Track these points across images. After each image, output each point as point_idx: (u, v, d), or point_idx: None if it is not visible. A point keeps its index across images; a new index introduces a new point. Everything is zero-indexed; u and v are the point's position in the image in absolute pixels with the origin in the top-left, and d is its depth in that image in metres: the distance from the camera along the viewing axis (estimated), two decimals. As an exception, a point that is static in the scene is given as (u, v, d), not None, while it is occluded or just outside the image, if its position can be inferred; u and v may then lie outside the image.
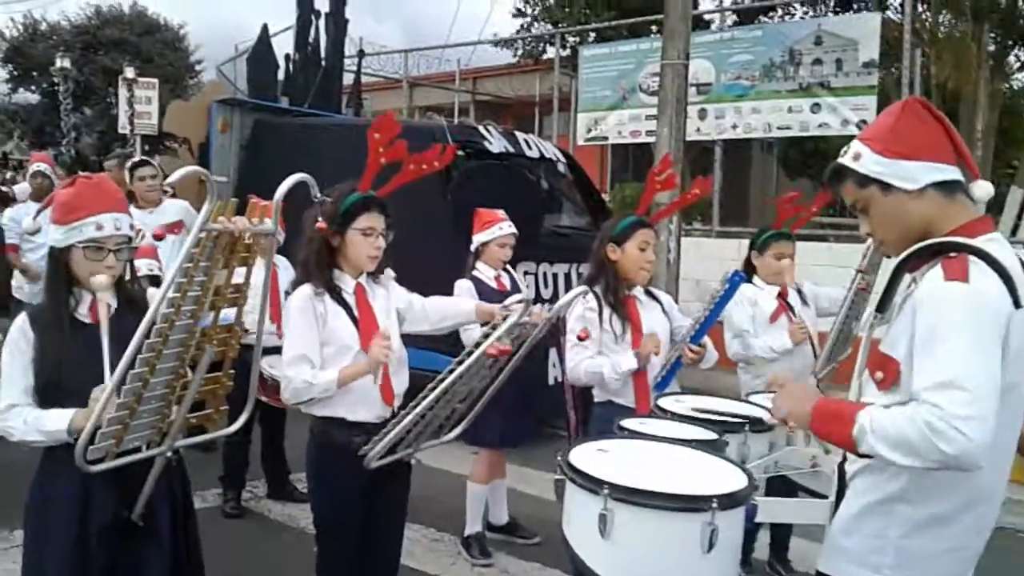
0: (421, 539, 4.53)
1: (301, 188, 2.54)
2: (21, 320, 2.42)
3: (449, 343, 3.93)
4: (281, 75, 9.06)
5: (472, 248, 4.48)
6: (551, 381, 6.11)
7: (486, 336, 2.77)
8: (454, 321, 3.17)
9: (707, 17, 14.41)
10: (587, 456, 2.15)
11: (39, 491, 2.43)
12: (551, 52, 15.53)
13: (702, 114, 11.34)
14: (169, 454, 2.37)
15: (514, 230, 4.48)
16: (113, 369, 2.17)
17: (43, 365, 2.35)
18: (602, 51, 13.06)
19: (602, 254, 3.49)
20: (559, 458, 2.14)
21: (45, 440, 2.34)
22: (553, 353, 5.69)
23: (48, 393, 2.34)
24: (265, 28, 8.86)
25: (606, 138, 12.85)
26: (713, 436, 2.48)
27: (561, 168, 7.67)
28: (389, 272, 3.06)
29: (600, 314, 3.43)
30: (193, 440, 2.48)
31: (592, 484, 1.96)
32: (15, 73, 28.93)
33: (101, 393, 2.18)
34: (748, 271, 4.17)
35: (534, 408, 4.81)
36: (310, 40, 9.22)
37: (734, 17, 13.33)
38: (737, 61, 11.35)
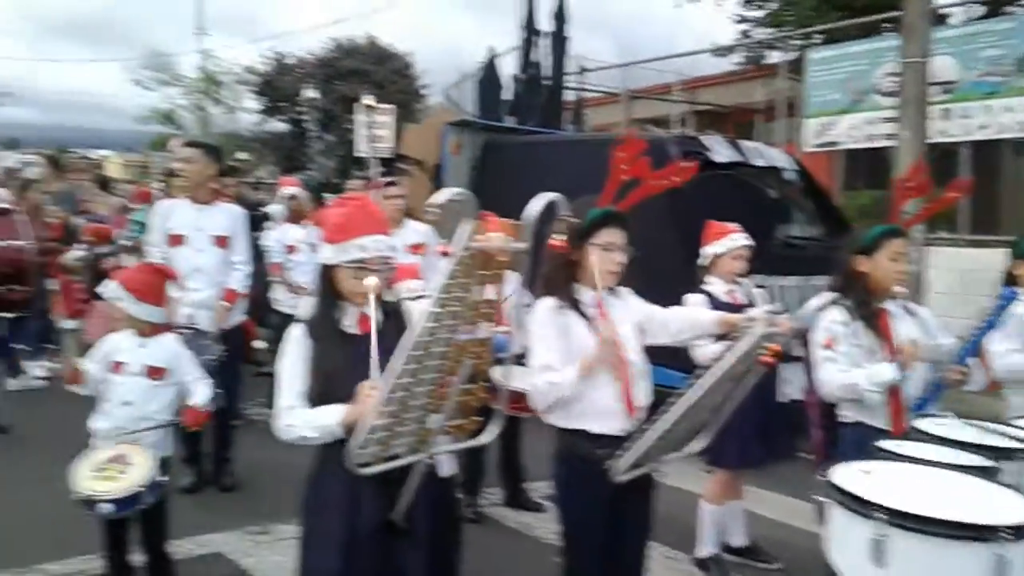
0: (656, 556, 4.48)
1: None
2: (299, 330, 2.65)
3: (680, 357, 3.89)
4: (506, 95, 9.39)
5: (701, 261, 4.40)
6: (783, 398, 5.90)
7: (729, 348, 2.73)
8: (694, 332, 3.13)
9: (945, 11, 13.40)
10: (851, 478, 2.05)
11: (313, 492, 2.65)
12: (774, 57, 15.02)
13: (945, 114, 10.54)
14: (429, 462, 2.50)
15: (749, 241, 4.36)
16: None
17: (316, 373, 2.56)
18: (832, 53, 12.47)
19: (850, 265, 3.33)
20: (821, 478, 2.06)
21: (319, 436, 2.53)
22: (784, 369, 5.48)
23: (320, 400, 2.55)
24: (492, 52, 9.23)
25: (836, 143, 12.24)
26: (987, 463, 2.28)
27: (790, 176, 7.39)
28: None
29: (849, 328, 3.26)
30: (448, 448, 2.61)
31: (863, 507, 1.87)
32: (266, 105, 31.82)
33: (369, 390, 2.34)
34: (1010, 282, 3.82)
35: (772, 427, 4.65)
36: (533, 60, 9.50)
37: (979, 10, 12.32)
38: (985, 56, 10.48)
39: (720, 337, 3.19)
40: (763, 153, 7.23)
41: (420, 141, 8.51)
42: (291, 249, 6.92)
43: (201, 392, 3.94)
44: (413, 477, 2.49)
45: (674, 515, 4.72)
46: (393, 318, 2.63)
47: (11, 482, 5.19)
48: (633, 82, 17.36)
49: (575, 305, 2.94)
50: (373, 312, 2.45)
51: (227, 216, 5.42)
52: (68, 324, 8.40)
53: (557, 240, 2.90)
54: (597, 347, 2.82)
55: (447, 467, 2.77)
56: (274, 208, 9.61)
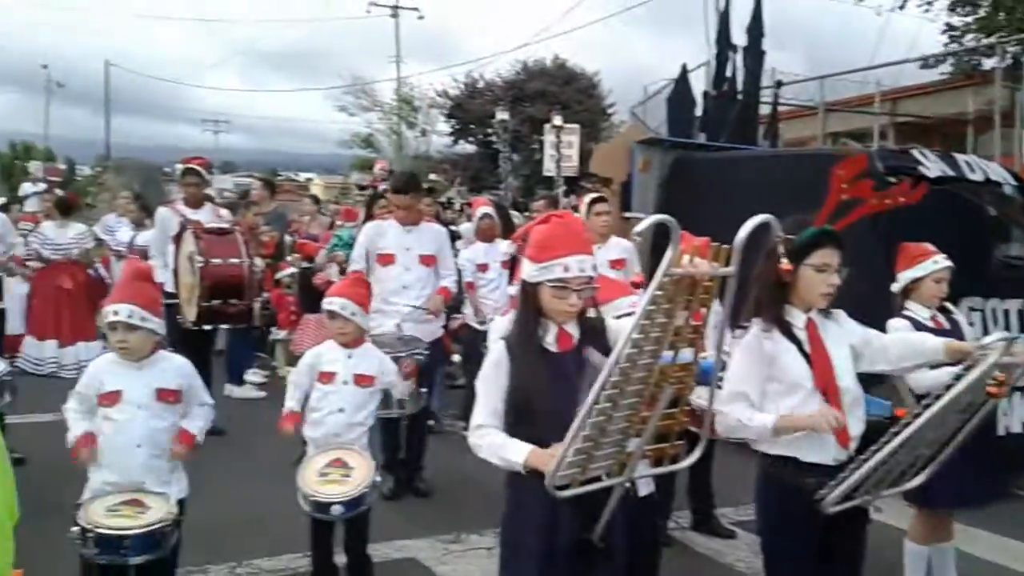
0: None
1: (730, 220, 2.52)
2: (499, 347, 2.70)
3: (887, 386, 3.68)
4: (697, 112, 9.26)
5: (897, 287, 4.13)
6: (1002, 431, 5.45)
7: (958, 377, 2.57)
8: (917, 360, 2.93)
9: None
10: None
11: (512, 507, 2.70)
12: (987, 64, 13.96)
13: None
14: (627, 484, 2.49)
15: (950, 263, 4.06)
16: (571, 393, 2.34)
17: (516, 390, 2.61)
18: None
19: None
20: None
21: (501, 465, 2.59)
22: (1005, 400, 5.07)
23: (518, 417, 2.59)
24: (684, 68, 9.14)
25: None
26: None
27: (1010, 191, 6.82)
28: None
29: None
30: (651, 472, 2.59)
31: None
32: (456, 127, 32.99)
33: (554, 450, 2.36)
34: None
35: (989, 463, 4.28)
36: (727, 75, 9.32)
37: None
38: None
39: (937, 364, 3.00)
40: (979, 167, 6.69)
41: (608, 160, 8.51)
42: (482, 268, 7.08)
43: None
44: (612, 498, 2.48)
45: (877, 551, 4.45)
46: (594, 336, 2.64)
47: (225, 482, 5.61)
48: (828, 95, 16.66)
49: (785, 328, 2.85)
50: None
51: (433, 236, 5.70)
52: (279, 335, 9.05)
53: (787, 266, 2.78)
54: (814, 415, 2.71)
55: (645, 488, 2.74)
56: (465, 227, 9.92)
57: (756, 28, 9.18)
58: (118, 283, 3.59)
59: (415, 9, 36.51)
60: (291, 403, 4.08)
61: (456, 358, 7.66)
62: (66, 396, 3.52)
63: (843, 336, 2.90)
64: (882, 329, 3.93)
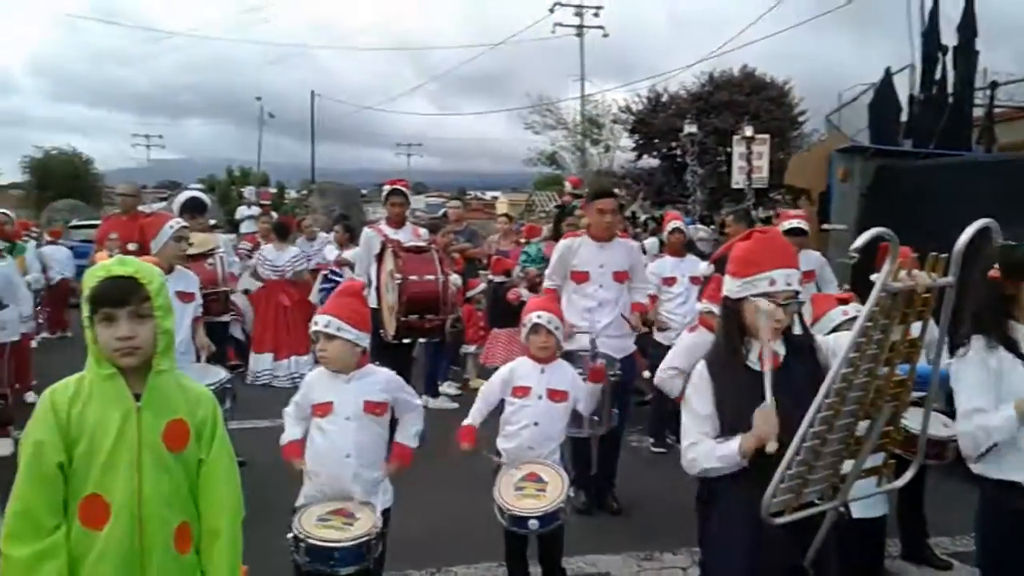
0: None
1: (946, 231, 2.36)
2: (701, 367, 2.67)
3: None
4: (903, 117, 8.75)
5: None
6: None
7: None
8: None
9: None
10: None
11: (716, 528, 2.65)
12: None
13: None
14: (841, 508, 2.38)
15: None
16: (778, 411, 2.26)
17: (721, 411, 2.56)
18: None
19: None
20: None
21: (721, 466, 2.53)
22: None
23: (725, 433, 2.54)
24: (888, 72, 8.66)
25: None
26: None
27: None
28: None
29: None
30: (861, 497, 2.47)
31: None
32: (640, 142, 32.78)
33: (762, 413, 2.30)
34: None
35: None
36: (935, 78, 8.74)
37: None
38: None
39: None
40: None
41: (804, 170, 8.22)
42: (669, 281, 7.00)
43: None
44: (825, 522, 2.38)
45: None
46: (801, 354, 2.55)
47: (422, 491, 5.81)
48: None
49: (1009, 344, 2.64)
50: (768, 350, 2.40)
51: (626, 251, 5.74)
52: (470, 349, 9.32)
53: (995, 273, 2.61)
54: None
55: (861, 510, 2.62)
56: (649, 242, 9.86)
57: (968, 26, 8.54)
58: (329, 299, 3.81)
59: (600, 27, 36.69)
60: (472, 418, 4.18)
61: (646, 374, 7.60)
62: (280, 404, 3.78)
63: None
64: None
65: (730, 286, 2.63)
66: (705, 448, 2.57)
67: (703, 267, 6.69)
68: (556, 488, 3.77)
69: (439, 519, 5.36)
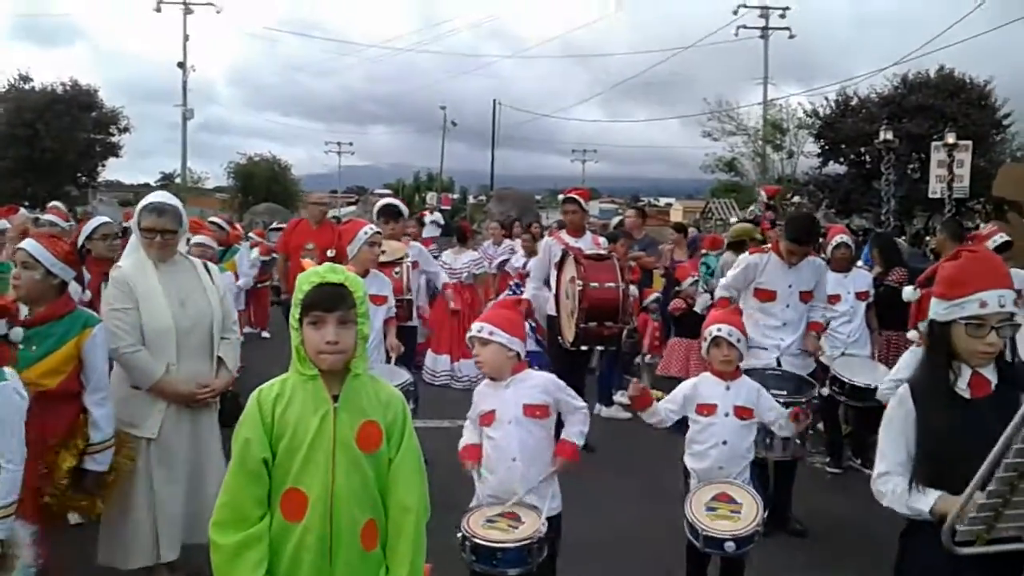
0: None
1: None
2: (904, 391, 2.52)
3: None
4: None
5: None
6: None
7: None
8: None
9: None
10: None
11: (910, 558, 2.53)
12: None
13: None
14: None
15: None
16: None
17: (926, 439, 2.41)
18: None
19: None
20: None
21: (908, 514, 2.41)
22: None
23: (930, 466, 2.39)
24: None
25: None
26: None
27: None
28: None
29: None
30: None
31: None
32: (825, 147, 31.44)
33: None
34: None
35: None
36: None
37: None
38: None
39: None
40: None
41: (1018, 180, 7.58)
42: (834, 299, 6.57)
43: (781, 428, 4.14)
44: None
45: None
46: (1013, 382, 2.37)
47: (595, 498, 5.81)
48: None
49: None
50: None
51: (813, 270, 5.61)
52: (644, 358, 9.24)
53: None
54: None
55: None
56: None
57: None
58: (486, 309, 3.96)
59: (786, 28, 35.48)
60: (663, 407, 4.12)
61: (824, 391, 7.26)
62: (457, 405, 3.88)
63: None
64: None
65: (937, 309, 2.48)
66: (897, 489, 2.46)
67: (908, 292, 6.33)
68: (751, 511, 3.69)
69: (611, 528, 5.33)
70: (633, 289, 8.26)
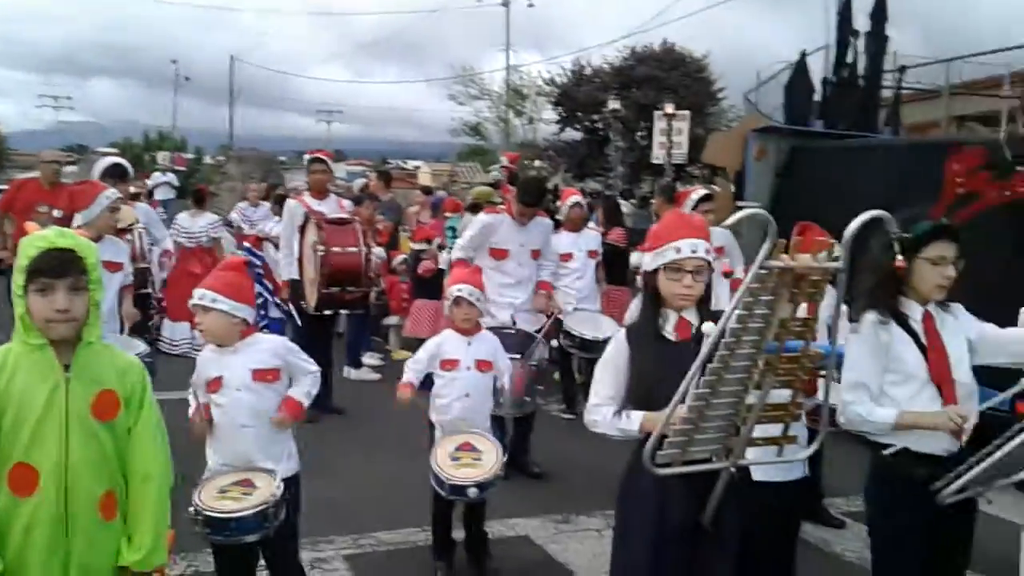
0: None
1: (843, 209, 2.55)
2: (620, 335, 2.83)
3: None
4: (816, 98, 9.11)
5: None
6: None
7: None
8: None
9: None
10: None
11: (627, 486, 2.82)
12: None
13: None
14: (732, 470, 2.57)
15: None
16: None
17: (636, 376, 2.73)
18: None
19: None
20: None
21: (619, 436, 2.71)
22: None
23: (639, 401, 2.70)
24: (803, 55, 9.00)
25: None
26: None
27: None
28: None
29: None
30: (759, 462, 2.66)
31: None
32: (563, 115, 33.00)
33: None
34: None
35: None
36: (847, 61, 9.12)
37: None
38: None
39: None
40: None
41: (722, 148, 8.47)
42: (566, 257, 7.03)
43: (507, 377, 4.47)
44: (719, 483, 2.58)
45: (987, 543, 4.38)
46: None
47: (346, 459, 5.93)
48: (953, 78, 15.93)
49: (901, 320, 2.88)
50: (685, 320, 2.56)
51: (542, 230, 5.99)
52: (392, 320, 9.40)
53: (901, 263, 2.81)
54: (939, 416, 2.77)
55: (763, 474, 2.81)
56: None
57: (879, 13, 8.93)
58: (210, 274, 3.80)
59: (526, -2, 36.59)
60: (408, 375, 4.27)
61: (554, 343, 7.78)
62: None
63: (960, 329, 2.92)
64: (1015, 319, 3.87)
65: (645, 260, 2.79)
66: (608, 416, 2.74)
67: (635, 257, 6.88)
68: (491, 456, 3.94)
69: (362, 487, 5.47)
70: (381, 251, 8.37)
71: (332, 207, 6.87)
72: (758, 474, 3.18)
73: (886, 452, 2.86)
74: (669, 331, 2.75)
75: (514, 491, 5.50)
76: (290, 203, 7.13)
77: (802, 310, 2.41)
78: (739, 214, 2.45)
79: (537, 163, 37.09)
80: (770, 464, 2.89)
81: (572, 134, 33.23)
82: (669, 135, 12.60)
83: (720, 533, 2.67)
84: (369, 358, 8.85)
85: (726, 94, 31.64)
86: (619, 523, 2.85)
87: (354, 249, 6.30)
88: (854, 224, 2.37)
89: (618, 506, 2.84)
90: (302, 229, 6.64)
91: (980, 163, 2.88)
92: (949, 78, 15.78)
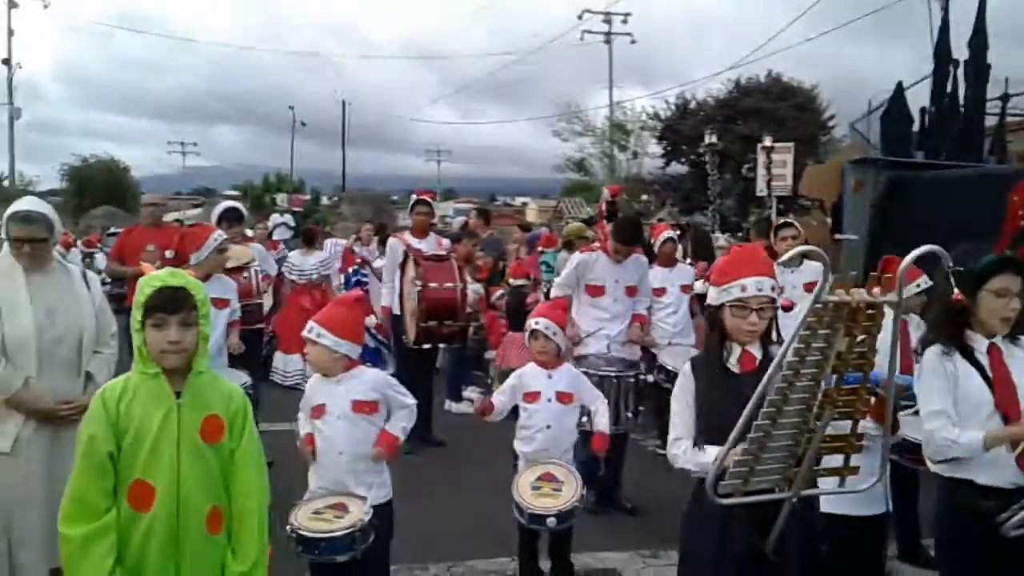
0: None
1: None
2: (687, 368, 2.94)
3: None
4: (916, 128, 8.93)
5: None
6: None
7: None
8: None
9: None
10: None
11: (690, 514, 2.93)
12: None
13: None
14: (794, 500, 2.63)
15: None
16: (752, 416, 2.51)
17: (702, 407, 2.83)
18: None
19: None
20: None
21: (697, 470, 2.80)
22: None
23: (707, 433, 2.80)
24: (900, 85, 8.87)
25: None
26: None
27: None
28: None
29: None
30: (820, 492, 2.71)
31: None
32: (668, 148, 32.94)
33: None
34: None
35: None
36: (947, 90, 8.92)
37: None
38: None
39: None
40: None
41: (821, 180, 8.41)
42: (659, 292, 7.04)
43: (603, 415, 4.48)
44: (782, 512, 2.64)
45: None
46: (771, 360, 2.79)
47: (444, 489, 6.12)
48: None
49: (966, 352, 2.89)
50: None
51: (637, 267, 6.08)
52: (492, 355, 9.60)
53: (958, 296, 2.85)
54: (1013, 430, 2.77)
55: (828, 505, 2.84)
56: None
57: (979, 41, 8.71)
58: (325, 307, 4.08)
59: (628, 34, 36.82)
60: (495, 398, 4.46)
61: (650, 378, 7.83)
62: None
63: None
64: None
65: (711, 295, 2.90)
66: (687, 451, 2.84)
67: (698, 285, 6.90)
68: (571, 487, 4.04)
69: (458, 517, 5.63)
70: (479, 287, 8.62)
71: (431, 245, 7.16)
72: (827, 506, 3.21)
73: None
74: (733, 363, 2.84)
75: (605, 525, 5.59)
76: (392, 241, 7.48)
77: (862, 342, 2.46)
78: (791, 252, 2.53)
79: (644, 197, 37.12)
80: (840, 495, 2.91)
81: (677, 168, 33.10)
82: (769, 168, 12.53)
83: (783, 562, 2.72)
84: (470, 392, 9.08)
85: (836, 123, 31.01)
86: (683, 549, 2.93)
87: (451, 284, 6.55)
88: (907, 260, 2.42)
89: (682, 532, 2.93)
90: (402, 266, 6.95)
91: (1045, 194, 2.86)
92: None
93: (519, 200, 62.56)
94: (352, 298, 4.28)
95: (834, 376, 2.46)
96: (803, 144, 25.31)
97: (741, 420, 2.47)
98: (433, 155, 60.37)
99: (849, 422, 2.57)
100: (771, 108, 29.99)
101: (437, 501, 5.78)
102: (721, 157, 28.08)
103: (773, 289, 2.83)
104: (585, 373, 5.59)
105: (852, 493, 2.76)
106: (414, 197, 7.64)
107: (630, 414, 5.76)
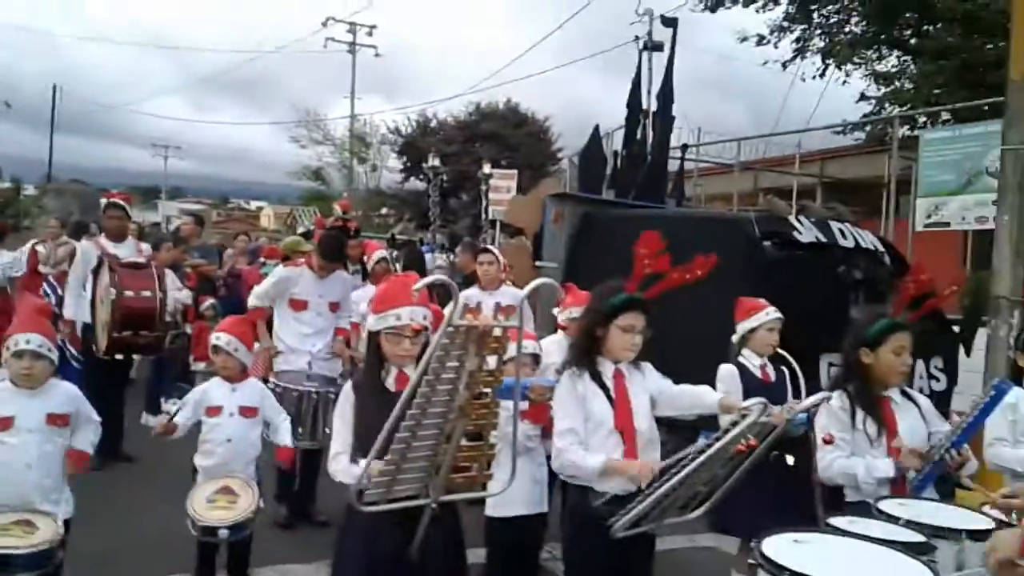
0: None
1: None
2: (348, 387, 3.13)
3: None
4: (608, 170, 9.88)
5: (736, 336, 4.59)
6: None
7: (733, 424, 3.00)
8: (700, 410, 3.41)
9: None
10: (781, 546, 2.33)
11: (346, 521, 3.11)
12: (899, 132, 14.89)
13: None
14: (433, 505, 2.89)
15: (779, 315, 4.54)
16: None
17: (359, 423, 3.03)
18: (944, 134, 12.26)
19: (854, 357, 3.54)
20: (753, 544, 2.34)
21: (351, 483, 2.97)
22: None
23: (364, 448, 2.96)
24: (596, 128, 9.79)
25: (948, 224, 11.96)
26: (920, 539, 2.50)
27: (882, 259, 7.47)
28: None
29: (852, 416, 3.47)
30: (455, 496, 2.99)
31: (776, 571, 2.16)
32: (407, 164, 33.46)
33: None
34: (1016, 374, 3.93)
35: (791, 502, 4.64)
36: (638, 137, 9.97)
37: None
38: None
39: None
40: (852, 234, 7.33)
41: (523, 211, 9.04)
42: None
43: (285, 430, 4.51)
44: (423, 518, 2.89)
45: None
46: None
47: (125, 507, 5.88)
48: (761, 151, 17.44)
49: (595, 376, 3.30)
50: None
51: (341, 283, 6.22)
52: (199, 366, 9.29)
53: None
54: (632, 465, 3.15)
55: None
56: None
57: (666, 93, 9.85)
58: (22, 316, 3.88)
59: (372, 46, 36.94)
60: (177, 418, 4.41)
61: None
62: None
63: (645, 386, 3.36)
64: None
65: (369, 321, 3.12)
66: (344, 463, 3.03)
67: None
68: (246, 501, 4.06)
69: (138, 535, 5.45)
70: (186, 296, 8.33)
71: (130, 251, 6.87)
72: (494, 511, 3.52)
73: (595, 503, 3.22)
74: (390, 383, 3.08)
75: (294, 538, 5.64)
76: (84, 245, 7.05)
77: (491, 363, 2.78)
78: (425, 280, 2.83)
79: (383, 210, 37.36)
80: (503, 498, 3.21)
81: (416, 184, 33.68)
82: (486, 194, 13.29)
83: (429, 562, 2.98)
84: (171, 405, 8.69)
85: (565, 154, 33.07)
86: (336, 554, 3.12)
87: (148, 293, 6.33)
88: (526, 290, 2.77)
89: (337, 539, 3.11)
90: (95, 272, 6.61)
91: (661, 247, 3.37)
92: (759, 151, 17.27)
93: (254, 204, 60.46)
94: (48, 306, 4.26)
95: (467, 391, 2.74)
96: (534, 171, 26.82)
97: (383, 433, 2.69)
98: (160, 150, 56.48)
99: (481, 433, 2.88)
100: (507, 135, 31.47)
101: (117, 519, 5.54)
102: (459, 177, 29.07)
103: (425, 318, 3.10)
104: (285, 388, 5.72)
105: (491, 496, 3.07)
106: (104, 200, 7.29)
107: (328, 429, 5.87)
